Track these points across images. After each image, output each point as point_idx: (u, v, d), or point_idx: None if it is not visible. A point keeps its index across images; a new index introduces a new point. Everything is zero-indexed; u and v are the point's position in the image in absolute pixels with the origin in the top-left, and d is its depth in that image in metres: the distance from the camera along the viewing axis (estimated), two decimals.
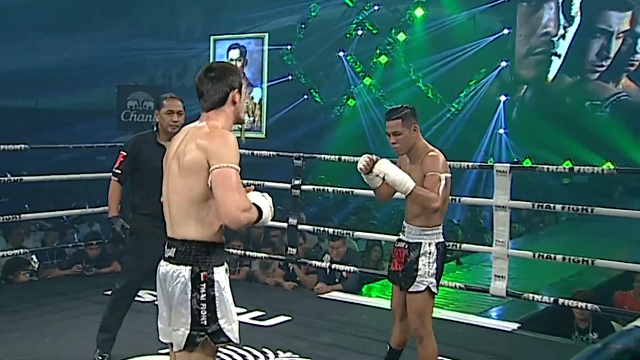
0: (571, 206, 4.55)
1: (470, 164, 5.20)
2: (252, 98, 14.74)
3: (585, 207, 4.48)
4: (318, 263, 5.70)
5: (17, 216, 5.56)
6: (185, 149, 2.38)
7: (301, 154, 5.58)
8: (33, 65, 14.99)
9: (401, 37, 14.27)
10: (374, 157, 3.35)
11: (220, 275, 2.39)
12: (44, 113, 15.64)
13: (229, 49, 14.97)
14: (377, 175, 3.28)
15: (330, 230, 5.66)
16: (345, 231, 5.63)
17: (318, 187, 5.93)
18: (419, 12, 13.99)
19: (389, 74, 14.49)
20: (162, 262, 2.45)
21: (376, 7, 14.45)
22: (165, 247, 2.44)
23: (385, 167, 3.26)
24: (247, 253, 6.01)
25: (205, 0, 17.03)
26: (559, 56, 13.53)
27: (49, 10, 15.73)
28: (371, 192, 3.66)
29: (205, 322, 2.36)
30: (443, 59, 13.74)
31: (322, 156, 5.67)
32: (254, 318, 5.05)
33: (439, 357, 3.51)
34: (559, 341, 4.73)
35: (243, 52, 14.85)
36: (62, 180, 8.44)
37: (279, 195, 10.99)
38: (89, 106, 16.50)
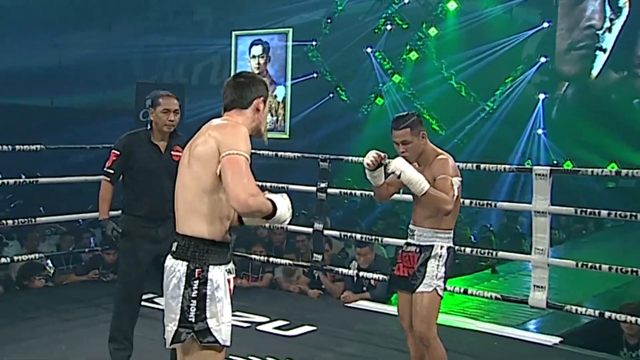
0: (618, 212, 4.49)
1: (506, 166, 5.17)
2: (276, 97, 14.80)
3: (633, 214, 4.42)
4: (345, 270, 5.70)
5: (33, 219, 5.65)
6: (198, 140, 2.50)
7: (327, 156, 5.59)
8: (48, 62, 15.22)
9: (433, 31, 14.21)
10: (383, 154, 3.44)
11: (216, 274, 2.48)
12: (59, 112, 15.84)
13: (251, 45, 15.07)
14: (393, 173, 3.34)
15: (358, 236, 5.66)
16: (373, 237, 5.62)
17: (345, 191, 5.94)
18: (451, 5, 13.92)
19: (420, 71, 14.43)
20: (168, 256, 2.57)
21: (406, 1, 14.41)
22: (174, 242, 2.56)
23: (402, 165, 3.33)
24: (271, 259, 6.03)
25: None
26: (604, 51, 13.32)
27: (66, 6, 15.96)
28: (401, 196, 3.69)
29: (193, 320, 2.45)
30: (477, 55, 13.65)
31: (349, 158, 5.67)
32: (277, 327, 5.06)
33: None
34: (606, 357, 4.68)
35: (266, 48, 14.93)
36: (78, 182, 8.56)
37: (304, 199, 11.01)
38: (107, 105, 16.70)
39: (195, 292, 2.46)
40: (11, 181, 5.55)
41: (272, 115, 14.74)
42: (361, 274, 5.55)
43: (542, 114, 13.37)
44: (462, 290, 5.15)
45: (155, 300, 5.56)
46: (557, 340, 4.96)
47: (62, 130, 13.69)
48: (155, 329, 4.43)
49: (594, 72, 13.49)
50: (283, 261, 6.00)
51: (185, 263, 2.49)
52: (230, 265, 2.56)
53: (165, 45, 17.00)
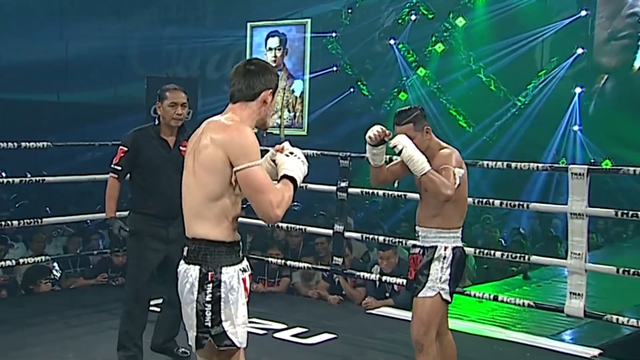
0: None
1: (539, 165, 5.13)
2: (293, 91, 14.82)
3: None
4: (366, 275, 5.69)
5: (39, 220, 5.70)
6: (200, 145, 2.56)
7: (348, 153, 5.57)
8: (54, 55, 15.35)
9: (460, 22, 14.14)
10: (388, 131, 3.44)
11: (230, 275, 2.56)
12: (66, 108, 15.97)
13: (268, 37, 15.10)
14: (395, 147, 3.34)
15: (380, 239, 5.64)
16: (397, 239, 5.60)
17: (366, 190, 5.91)
18: None
19: (446, 64, 14.36)
20: (181, 261, 2.66)
21: None
22: (184, 246, 2.65)
23: (405, 140, 3.34)
24: (288, 263, 6.03)
25: None
26: None
27: None
28: None
29: (209, 324, 2.55)
30: (508, 47, 13.54)
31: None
32: (295, 335, 5.06)
33: None
34: None
35: (283, 40, 14.95)
36: (86, 181, 8.62)
37: (323, 199, 11.00)
38: (116, 100, 16.81)
39: (210, 295, 2.54)
40: (16, 180, 5.60)
41: (289, 111, 14.77)
42: (384, 278, 5.54)
43: (578, 109, 13.21)
44: (491, 297, 5.11)
45: None
46: (595, 352, 4.89)
47: (69, 127, 13.82)
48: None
49: (636, 64, 13.27)
50: (301, 265, 6.00)
51: (197, 267, 2.57)
52: (244, 264, 2.63)
53: (178, 38, 17.07)
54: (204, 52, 17.42)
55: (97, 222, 8.25)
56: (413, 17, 14.61)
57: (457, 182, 3.35)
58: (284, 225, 6.04)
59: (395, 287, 5.79)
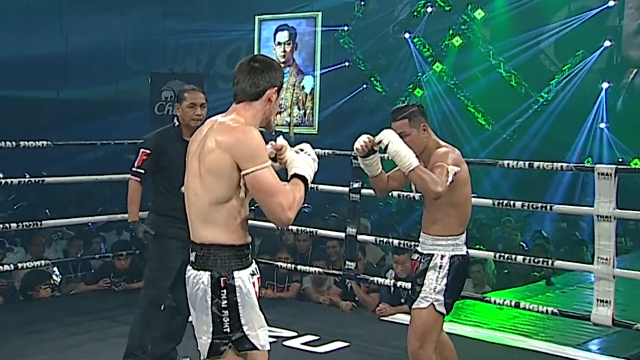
0: None
1: (563, 164, 5.10)
2: (303, 88, 14.82)
3: None
4: (380, 280, 5.68)
5: (38, 223, 5.72)
6: (206, 147, 2.60)
7: None
8: (54, 50, 15.41)
9: (479, 14, 14.10)
10: (376, 138, 3.36)
11: (242, 279, 2.61)
12: (66, 105, 16.05)
13: (277, 31, 15.10)
14: (380, 142, 3.29)
15: (395, 242, 5.64)
16: (412, 243, 5.58)
17: None
18: None
19: (464, 59, 14.32)
20: (188, 267, 2.71)
21: None
22: (189, 251, 2.70)
23: (391, 135, 3.30)
24: (298, 267, 6.03)
25: None
26: None
27: None
28: None
29: (228, 330, 2.60)
30: (530, 40, 13.47)
31: (386, 155, 5.63)
32: (305, 343, 5.06)
33: None
34: None
35: (292, 34, 14.95)
36: (88, 182, 8.66)
37: (335, 200, 10.99)
38: (118, 97, 16.86)
39: (225, 301, 2.59)
40: (14, 181, 5.62)
41: (299, 108, 14.77)
42: (399, 284, 5.52)
43: (605, 105, 13.12)
44: (513, 304, 5.09)
45: None
46: None
47: (69, 125, 13.89)
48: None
49: None
50: (312, 269, 5.99)
51: (207, 273, 2.61)
52: (254, 267, 2.69)
53: (183, 32, 17.11)
54: (210, 47, 17.44)
55: (98, 224, 8.30)
56: (429, 10, 14.58)
57: (450, 179, 3.30)
58: (294, 228, 6.04)
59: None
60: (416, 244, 5.47)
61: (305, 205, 10.00)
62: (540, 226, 9.91)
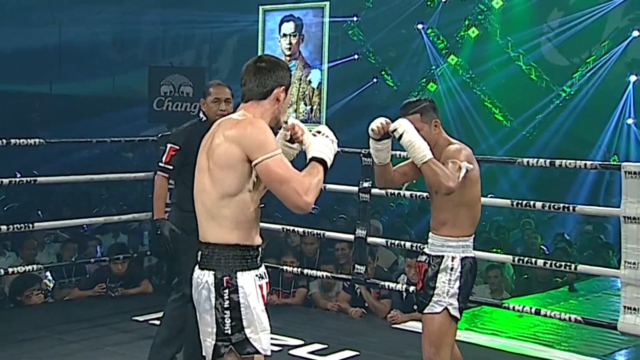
0: None
1: (587, 163, 5.08)
2: (310, 82, 14.82)
3: None
4: (392, 285, 5.68)
5: (29, 225, 5.73)
6: (214, 143, 2.73)
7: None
8: (47, 42, 15.44)
9: (497, 3, 14.08)
10: (391, 126, 3.42)
11: (246, 280, 2.70)
12: (59, 100, 16.08)
13: (282, 22, 15.09)
14: (395, 130, 3.35)
15: (407, 245, 5.63)
16: (426, 246, 5.57)
17: (391, 191, 5.90)
18: None
19: (481, 51, 14.31)
20: (196, 267, 2.80)
21: None
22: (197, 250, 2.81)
23: (406, 125, 3.36)
24: (305, 271, 6.03)
25: None
26: None
27: None
28: None
29: (229, 332, 2.69)
30: (551, 31, 13.45)
31: (397, 153, 5.63)
32: (313, 352, 5.06)
33: None
34: None
35: (299, 25, 14.94)
36: (82, 182, 8.67)
37: (343, 201, 10.96)
38: (115, 92, 16.91)
39: (227, 302, 2.68)
40: (5, 181, 5.62)
41: (305, 104, 14.77)
42: (411, 289, 5.51)
43: (632, 100, 13.07)
44: (533, 311, 5.07)
45: None
46: None
47: (63, 122, 13.92)
48: None
49: None
50: (319, 274, 5.99)
51: (211, 272, 2.71)
52: (262, 270, 2.78)
53: (183, 22, 17.13)
54: (212, 39, 17.47)
55: (94, 227, 8.32)
56: None
57: (462, 174, 3.36)
58: (300, 230, 6.04)
59: None
60: (423, 246, 5.52)
61: (313, 206, 10.02)
62: (563, 228, 9.89)
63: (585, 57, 13.42)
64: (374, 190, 5.56)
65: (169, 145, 4.33)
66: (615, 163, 7.16)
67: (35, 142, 5.64)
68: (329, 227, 7.55)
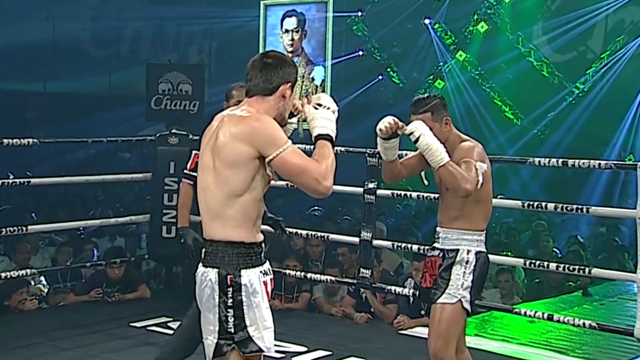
0: None
1: (601, 162, 5.07)
2: (313, 79, 14.83)
3: None
4: (398, 289, 5.67)
5: (23, 228, 5.74)
6: (219, 141, 2.77)
7: (376, 150, 5.54)
8: (40, 38, 15.42)
9: None
10: (401, 123, 3.53)
11: (250, 278, 2.76)
12: (54, 99, 16.08)
13: (284, 17, 15.11)
14: (411, 134, 3.42)
15: (414, 248, 5.63)
16: None
17: (398, 192, 5.91)
18: None
19: (490, 47, 14.30)
20: (199, 265, 2.87)
21: None
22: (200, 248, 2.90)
23: (422, 127, 3.43)
24: (308, 275, 6.03)
25: None
26: None
27: None
28: None
29: (232, 330, 2.76)
30: (564, 25, 13.42)
31: (404, 152, 5.63)
32: (317, 359, 5.05)
33: None
34: None
35: (301, 21, 14.95)
36: (78, 183, 8.68)
37: (348, 202, 10.95)
38: (111, 90, 16.92)
39: (231, 300, 2.75)
40: None
41: (309, 102, 14.78)
42: (418, 293, 5.51)
43: None
44: (545, 317, 5.07)
45: (170, 324, 5.61)
46: None
47: (57, 121, 13.92)
48: None
49: None
50: (323, 278, 5.99)
51: (215, 270, 2.78)
52: (266, 266, 2.85)
53: (182, 18, 17.14)
54: (212, 35, 17.48)
55: (90, 230, 8.32)
56: None
57: (480, 178, 3.43)
58: (304, 232, 6.04)
59: None
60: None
61: (316, 207, 10.02)
62: (576, 230, 9.87)
63: (600, 52, 13.39)
64: (379, 192, 5.57)
65: (193, 152, 4.39)
66: (630, 162, 7.14)
67: (28, 142, 5.65)
68: (333, 229, 7.54)
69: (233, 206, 2.75)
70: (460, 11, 14.49)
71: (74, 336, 5.47)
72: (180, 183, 4.47)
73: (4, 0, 15.12)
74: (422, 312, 5.90)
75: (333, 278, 6.02)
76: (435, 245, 3.71)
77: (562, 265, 5.20)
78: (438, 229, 3.69)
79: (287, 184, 5.27)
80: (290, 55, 14.61)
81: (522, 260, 5.43)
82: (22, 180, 5.96)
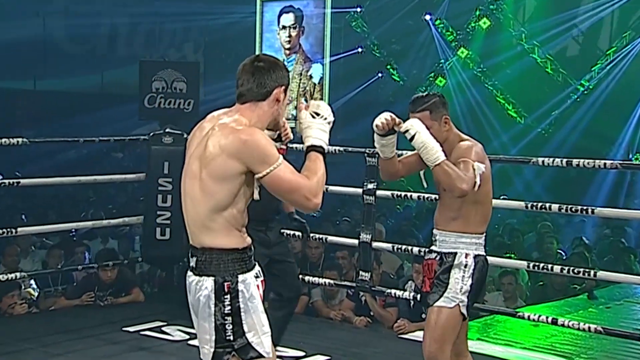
0: None
1: (607, 162, 5.07)
2: (311, 77, 14.85)
3: None
4: (398, 293, 5.67)
5: (12, 230, 5.72)
6: (208, 152, 2.76)
7: (376, 150, 5.54)
8: (30, 35, 15.41)
9: None
10: (398, 119, 3.52)
11: (246, 283, 2.80)
12: (44, 97, 16.08)
13: (281, 13, 15.13)
14: (407, 131, 3.42)
15: (415, 250, 5.63)
16: None
17: (398, 193, 5.90)
18: None
19: (493, 43, 14.33)
20: (188, 272, 2.87)
21: None
22: (189, 255, 2.87)
23: (418, 125, 3.43)
24: (306, 278, 6.03)
25: None
26: None
27: None
28: None
29: (231, 337, 2.78)
30: (568, 21, 13.44)
31: (403, 152, 5.63)
32: None
33: None
34: None
35: (299, 17, 14.98)
36: (69, 184, 8.67)
37: (347, 203, 10.93)
38: (103, 88, 16.92)
39: (229, 307, 2.77)
40: None
41: (306, 100, 14.78)
42: (419, 297, 5.51)
43: None
44: (549, 320, 5.07)
45: (164, 329, 5.61)
46: None
47: (48, 120, 13.93)
48: None
49: None
50: (321, 281, 5.99)
51: (210, 278, 2.79)
52: (257, 269, 2.88)
53: (177, 14, 17.15)
54: (208, 32, 17.50)
55: (81, 231, 8.32)
56: None
57: (478, 179, 3.43)
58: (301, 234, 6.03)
59: None
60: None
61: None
62: (581, 232, 9.88)
63: (606, 48, 13.40)
64: (379, 192, 5.56)
65: None
66: (637, 162, 7.14)
67: (18, 141, 5.64)
68: (332, 230, 7.54)
69: (217, 219, 2.77)
70: (462, 7, 14.52)
71: (65, 341, 5.46)
72: None
73: None
74: (423, 316, 5.88)
75: (332, 281, 6.01)
76: (433, 248, 3.70)
77: (566, 268, 5.19)
78: (435, 231, 3.68)
79: None
80: (287, 52, 14.65)
81: (525, 263, 5.44)
82: (11, 180, 5.94)
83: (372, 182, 5.55)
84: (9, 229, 5.67)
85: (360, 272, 5.63)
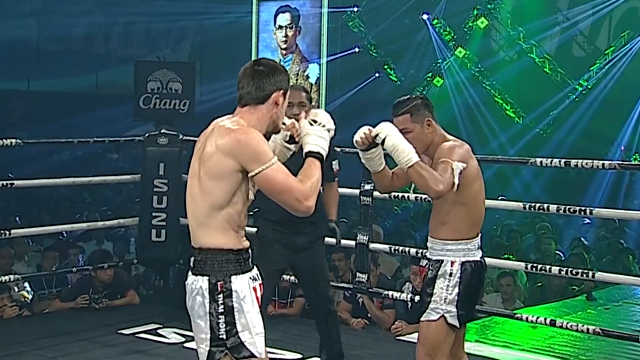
0: None
1: (605, 162, 5.08)
2: (308, 77, 14.84)
3: None
4: (396, 294, 5.68)
5: (6, 232, 5.72)
6: (206, 151, 2.86)
7: None
8: (24, 35, 15.41)
9: None
10: (373, 131, 3.44)
11: (240, 284, 2.86)
12: (38, 98, 16.07)
13: (277, 13, 15.11)
14: (377, 136, 3.37)
15: (412, 251, 5.63)
16: None
17: (395, 194, 5.90)
18: None
19: (490, 43, 14.36)
20: (189, 273, 2.94)
21: None
22: (189, 256, 2.95)
23: (388, 128, 3.38)
24: None
25: None
26: None
27: None
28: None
29: (224, 336, 2.85)
30: (566, 20, 13.46)
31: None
32: None
33: None
34: None
35: (295, 17, 14.96)
36: (63, 185, 8.66)
37: (344, 204, 10.96)
38: (98, 89, 16.91)
39: (222, 306, 2.83)
40: None
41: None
42: (417, 298, 5.51)
43: None
44: (548, 322, 5.08)
45: (160, 332, 5.61)
46: None
47: (42, 121, 13.91)
48: None
49: None
50: None
51: (205, 278, 2.86)
52: (254, 272, 2.94)
53: (172, 14, 17.14)
54: (203, 32, 17.49)
55: (76, 233, 8.31)
56: None
57: (457, 179, 3.36)
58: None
59: None
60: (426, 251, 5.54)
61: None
62: (579, 233, 9.90)
63: (603, 47, 13.42)
64: (376, 193, 5.57)
65: None
66: (635, 163, 7.15)
67: (11, 142, 5.63)
68: (329, 232, 7.53)
69: (216, 217, 2.84)
70: (459, 6, 14.53)
71: (60, 344, 5.45)
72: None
73: None
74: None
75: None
76: (427, 254, 3.69)
77: (565, 269, 5.20)
78: (428, 237, 3.66)
79: None
80: (284, 52, 14.64)
81: (523, 264, 5.44)
82: (5, 182, 5.92)
83: (369, 183, 5.55)
84: (2, 231, 5.66)
85: (358, 274, 5.64)
